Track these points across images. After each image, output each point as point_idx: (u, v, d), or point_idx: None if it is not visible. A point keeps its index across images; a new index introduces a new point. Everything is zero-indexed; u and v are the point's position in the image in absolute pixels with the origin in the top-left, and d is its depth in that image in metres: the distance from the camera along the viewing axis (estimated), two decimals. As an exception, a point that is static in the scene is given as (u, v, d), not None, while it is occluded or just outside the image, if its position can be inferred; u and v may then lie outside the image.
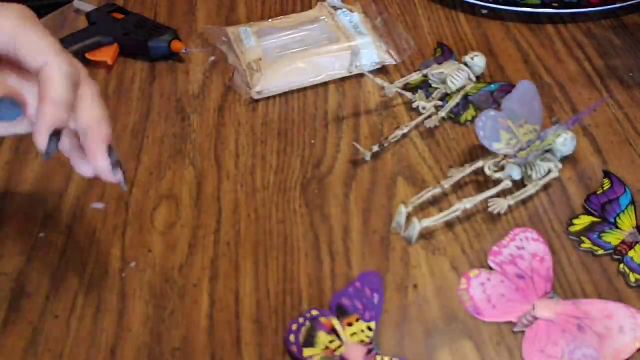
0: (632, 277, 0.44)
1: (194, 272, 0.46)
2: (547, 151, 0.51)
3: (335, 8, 0.67)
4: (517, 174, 0.49)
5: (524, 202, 0.50)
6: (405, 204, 0.48)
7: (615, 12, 0.68)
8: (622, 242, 0.46)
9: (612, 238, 0.46)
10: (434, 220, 0.47)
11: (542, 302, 0.42)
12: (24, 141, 0.57)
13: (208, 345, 0.42)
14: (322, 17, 0.67)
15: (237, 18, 0.70)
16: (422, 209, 0.50)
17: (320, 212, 0.50)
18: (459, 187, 0.51)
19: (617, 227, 0.47)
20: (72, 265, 0.47)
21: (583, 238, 0.47)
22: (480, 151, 0.54)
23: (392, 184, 0.52)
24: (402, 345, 0.42)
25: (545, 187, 0.51)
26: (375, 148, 0.53)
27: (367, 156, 0.53)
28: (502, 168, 0.50)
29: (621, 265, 0.45)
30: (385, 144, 0.54)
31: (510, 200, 0.49)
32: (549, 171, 0.50)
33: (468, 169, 0.50)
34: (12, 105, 0.34)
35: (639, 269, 0.44)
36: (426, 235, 0.48)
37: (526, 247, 0.46)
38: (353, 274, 0.46)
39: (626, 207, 0.48)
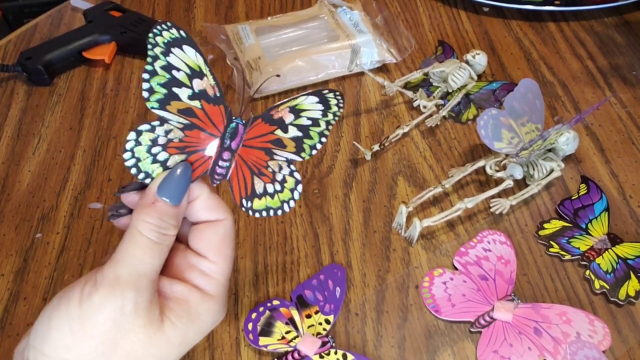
0: (597, 284, 0.43)
1: (192, 273, 0.46)
2: (549, 150, 0.51)
3: (335, 6, 0.67)
4: (519, 174, 0.49)
5: (526, 202, 0.49)
6: (406, 203, 0.48)
7: (617, 9, 0.67)
8: (591, 248, 0.46)
9: (581, 244, 0.46)
10: (435, 220, 0.47)
11: (501, 304, 0.42)
12: (20, 140, 0.57)
13: (207, 346, 0.42)
14: (322, 15, 0.66)
15: (236, 16, 0.70)
16: (423, 209, 0.49)
17: (320, 212, 0.50)
18: (460, 187, 0.51)
19: (587, 234, 0.47)
20: (69, 266, 0.46)
21: (552, 242, 0.46)
22: (481, 150, 0.54)
23: (392, 183, 0.52)
24: (403, 346, 0.41)
25: (548, 187, 0.50)
26: (376, 147, 0.53)
27: (368, 155, 0.53)
28: (503, 167, 0.50)
29: (587, 272, 0.44)
30: (386, 143, 0.54)
31: (512, 200, 0.48)
32: (552, 171, 0.50)
33: (469, 169, 0.50)
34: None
35: (605, 276, 0.44)
36: (427, 235, 0.48)
37: (493, 249, 0.46)
38: (354, 275, 0.45)
39: (600, 214, 0.48)
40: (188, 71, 0.31)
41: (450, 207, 0.48)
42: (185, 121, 0.32)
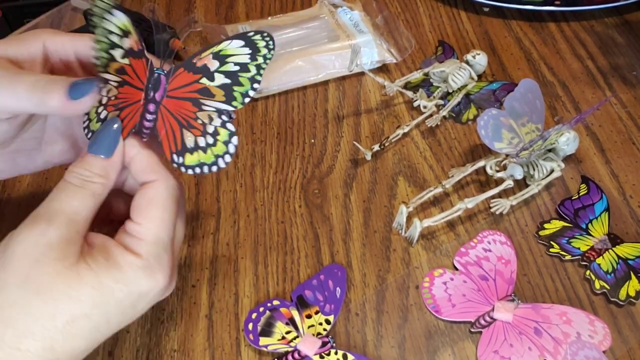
0: (597, 284, 0.43)
1: (193, 273, 0.46)
2: (549, 150, 0.51)
3: (335, 6, 0.67)
4: (519, 174, 0.49)
5: (526, 202, 0.49)
6: (406, 203, 0.48)
7: (617, 9, 0.67)
8: (591, 248, 0.46)
9: (582, 244, 0.46)
10: (435, 220, 0.47)
11: (501, 304, 0.42)
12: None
13: (207, 346, 0.42)
14: (322, 15, 0.66)
15: (236, 16, 0.70)
16: (423, 209, 0.49)
17: (321, 212, 0.50)
18: (460, 187, 0.51)
19: (588, 234, 0.47)
20: (69, 266, 0.46)
21: (552, 243, 0.46)
22: (482, 150, 0.54)
23: (393, 183, 0.52)
24: (403, 346, 0.41)
25: (548, 187, 0.50)
26: (376, 147, 0.53)
27: (368, 155, 0.53)
28: (504, 168, 0.50)
29: (587, 272, 0.44)
30: (386, 144, 0.54)
31: (512, 201, 0.48)
32: (552, 171, 0.50)
33: (469, 169, 0.50)
34: (86, 80, 0.32)
35: (605, 276, 0.44)
36: (427, 235, 0.48)
37: (493, 249, 0.46)
38: (354, 275, 0.45)
39: (600, 214, 0.48)
40: (120, 32, 0.32)
41: (451, 207, 0.48)
42: (119, 79, 0.32)
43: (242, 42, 0.31)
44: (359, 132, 0.56)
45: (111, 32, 0.32)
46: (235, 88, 0.31)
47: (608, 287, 0.43)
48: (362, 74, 0.61)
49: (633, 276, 0.44)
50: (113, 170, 0.32)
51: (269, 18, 0.67)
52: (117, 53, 0.32)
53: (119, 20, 0.32)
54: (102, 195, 0.32)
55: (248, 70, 0.31)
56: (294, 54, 0.61)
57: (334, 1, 0.68)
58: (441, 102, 0.57)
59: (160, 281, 0.32)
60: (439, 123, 0.56)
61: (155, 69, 0.32)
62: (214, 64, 0.31)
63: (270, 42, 0.31)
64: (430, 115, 0.56)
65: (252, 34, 0.31)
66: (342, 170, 0.53)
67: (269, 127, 0.57)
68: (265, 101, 0.59)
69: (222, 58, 0.31)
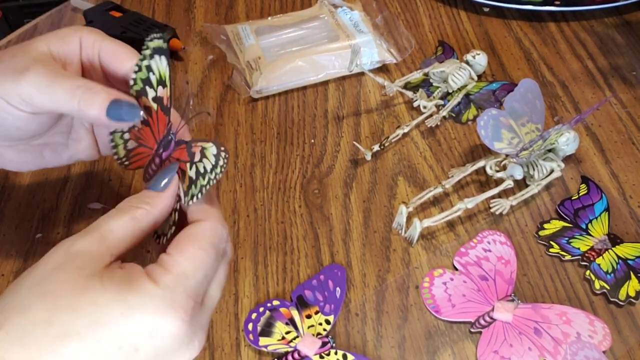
0: (597, 285, 0.43)
1: (192, 273, 0.46)
2: (549, 151, 0.51)
3: (335, 6, 0.67)
4: (519, 174, 0.49)
5: (526, 202, 0.49)
6: (406, 204, 0.48)
7: (617, 9, 0.67)
8: (591, 248, 0.46)
9: (581, 244, 0.46)
10: (435, 220, 0.47)
11: (501, 304, 0.42)
12: (21, 141, 0.57)
13: (207, 346, 0.42)
14: (322, 15, 0.66)
15: (236, 16, 0.70)
16: (423, 209, 0.49)
17: (320, 212, 0.50)
18: (460, 187, 0.51)
19: (587, 234, 0.47)
20: (69, 266, 0.46)
21: (552, 243, 0.46)
22: (482, 151, 0.54)
23: (393, 183, 0.52)
24: (403, 346, 0.41)
25: (548, 187, 0.50)
26: (376, 147, 0.53)
27: (368, 156, 0.53)
28: (504, 168, 0.50)
29: (587, 272, 0.44)
30: (386, 144, 0.54)
31: (512, 201, 0.48)
32: (552, 171, 0.50)
33: (469, 169, 0.50)
34: (130, 107, 0.34)
35: (605, 276, 0.44)
36: (427, 235, 0.48)
37: (493, 249, 0.46)
38: (354, 275, 0.45)
39: (600, 214, 0.48)
40: (159, 77, 0.34)
41: (451, 207, 0.48)
42: (145, 116, 0.35)
43: (215, 150, 0.32)
44: (359, 132, 0.56)
45: (152, 72, 0.34)
46: (192, 187, 0.33)
47: (608, 287, 0.43)
48: (362, 74, 0.61)
49: (633, 276, 0.44)
50: (160, 200, 0.33)
51: (269, 18, 0.67)
52: (150, 92, 0.35)
53: (161, 67, 0.34)
54: (142, 221, 0.32)
55: (203, 178, 0.32)
56: (294, 54, 0.61)
57: (334, 1, 0.68)
58: (441, 102, 0.57)
59: (169, 323, 0.28)
60: (438, 123, 0.56)
61: (171, 132, 0.35)
62: (197, 156, 0.33)
63: (224, 165, 0.32)
64: (430, 115, 0.56)
65: (222, 148, 0.32)
66: (342, 170, 0.53)
67: (268, 127, 0.57)
68: (265, 101, 0.59)
69: (201, 155, 0.33)
